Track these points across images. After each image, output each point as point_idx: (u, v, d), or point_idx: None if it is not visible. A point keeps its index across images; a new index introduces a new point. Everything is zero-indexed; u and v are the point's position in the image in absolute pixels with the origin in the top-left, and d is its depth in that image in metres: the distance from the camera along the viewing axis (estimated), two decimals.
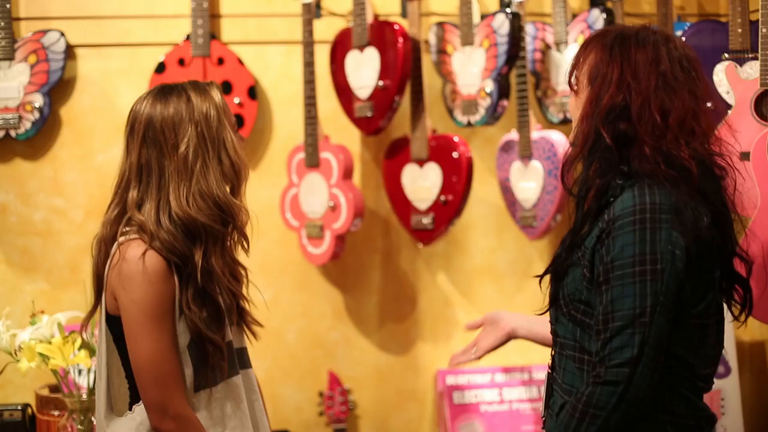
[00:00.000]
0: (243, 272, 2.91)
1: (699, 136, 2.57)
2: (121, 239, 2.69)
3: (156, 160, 2.70)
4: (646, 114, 2.52)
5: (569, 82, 2.71)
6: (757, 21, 3.84)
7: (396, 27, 4.25)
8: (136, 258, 2.62)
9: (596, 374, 2.43)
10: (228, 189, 2.77)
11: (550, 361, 2.72)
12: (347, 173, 4.31)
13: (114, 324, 2.72)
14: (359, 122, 4.38)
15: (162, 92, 2.76)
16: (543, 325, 2.99)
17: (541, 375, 4.61)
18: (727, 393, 4.49)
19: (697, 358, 2.54)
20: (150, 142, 2.70)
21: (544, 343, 3.07)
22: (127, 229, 2.70)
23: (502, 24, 4.24)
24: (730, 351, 4.50)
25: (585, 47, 2.66)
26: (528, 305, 4.70)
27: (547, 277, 2.68)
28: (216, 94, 2.80)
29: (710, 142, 2.62)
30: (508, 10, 4.29)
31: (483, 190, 4.68)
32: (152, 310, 2.63)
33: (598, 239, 2.48)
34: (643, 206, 2.43)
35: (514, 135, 4.40)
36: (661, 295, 2.41)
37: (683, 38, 4.24)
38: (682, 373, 2.52)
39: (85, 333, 3.05)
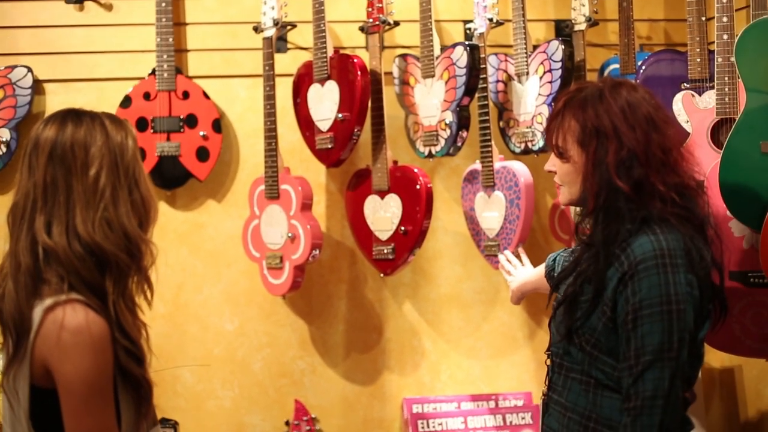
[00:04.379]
0: (143, 327, 2.57)
1: (691, 163, 2.88)
2: (49, 302, 2.40)
3: (63, 178, 2.47)
4: (652, 156, 2.75)
5: (557, 153, 2.89)
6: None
7: (355, 60, 4.29)
8: (80, 326, 2.37)
9: (633, 407, 2.68)
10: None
11: (545, 387, 2.99)
12: (306, 205, 4.34)
13: (40, 397, 2.44)
14: (320, 154, 4.42)
15: (74, 114, 2.56)
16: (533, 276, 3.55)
17: (507, 403, 4.65)
18: (692, 419, 4.48)
19: (693, 378, 2.86)
20: (57, 159, 2.47)
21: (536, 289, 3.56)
22: (47, 287, 2.43)
23: (460, 56, 4.28)
24: None
25: (558, 116, 2.87)
26: (495, 334, 4.75)
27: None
28: (131, 130, 2.61)
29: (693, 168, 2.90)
30: (467, 42, 4.34)
31: (449, 220, 4.72)
32: (100, 383, 2.39)
33: (620, 281, 2.72)
34: (662, 251, 2.68)
35: (477, 165, 4.43)
36: (685, 331, 2.68)
37: (643, 68, 4.27)
38: (684, 395, 2.80)
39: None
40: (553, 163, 2.94)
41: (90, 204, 2.47)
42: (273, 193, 4.38)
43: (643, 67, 4.28)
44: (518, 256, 3.90)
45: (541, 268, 3.48)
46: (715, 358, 4.74)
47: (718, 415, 4.72)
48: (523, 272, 3.71)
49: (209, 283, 4.61)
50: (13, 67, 4.39)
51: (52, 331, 2.38)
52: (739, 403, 4.69)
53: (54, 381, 2.41)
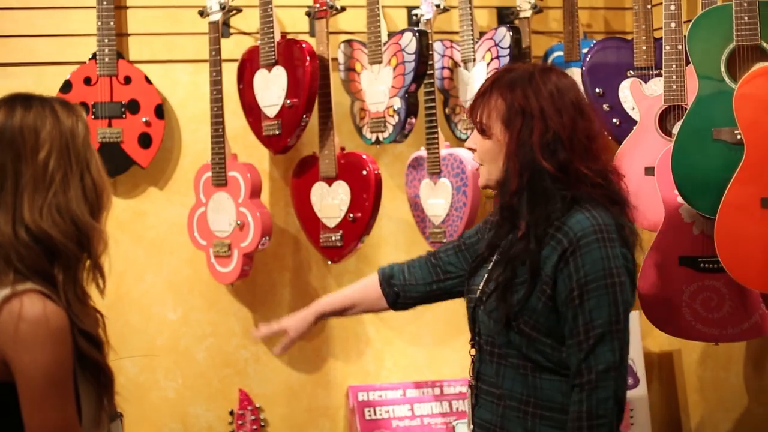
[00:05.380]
0: (99, 316, 2.55)
1: (610, 152, 2.96)
2: (5, 293, 2.32)
3: (12, 163, 2.39)
4: (577, 141, 2.77)
5: (479, 129, 2.88)
6: (662, 38, 3.91)
7: (303, 45, 4.24)
8: (38, 318, 2.29)
9: (587, 381, 2.69)
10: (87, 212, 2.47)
11: (472, 376, 2.99)
12: (255, 192, 4.28)
13: None
14: (267, 141, 4.37)
15: (23, 99, 2.48)
16: (342, 296, 3.44)
17: (452, 390, 4.65)
18: (635, 404, 4.54)
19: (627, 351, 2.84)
20: (6, 143, 2.40)
21: (344, 309, 3.40)
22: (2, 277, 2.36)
23: (409, 42, 4.26)
24: (638, 362, 4.56)
25: (486, 93, 2.85)
26: (439, 321, 4.76)
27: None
28: (83, 114, 2.54)
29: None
30: (415, 28, 4.32)
31: (393, 207, 4.69)
32: (59, 376, 2.32)
33: (560, 258, 2.72)
34: (599, 226, 2.71)
35: (423, 152, 4.42)
36: (627, 303, 2.74)
37: (589, 56, 4.30)
38: None
39: None
40: (474, 141, 2.93)
41: (39, 190, 2.39)
42: (220, 180, 4.31)
43: (589, 55, 4.30)
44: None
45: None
46: (654, 342, 4.80)
47: (658, 399, 4.78)
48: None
49: (151, 271, 4.52)
50: None
51: (10, 322, 2.30)
52: (678, 387, 4.75)
53: (11, 374, 2.32)
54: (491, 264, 2.93)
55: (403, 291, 3.30)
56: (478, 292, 2.94)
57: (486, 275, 2.93)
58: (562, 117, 2.77)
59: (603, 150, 2.87)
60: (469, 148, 2.98)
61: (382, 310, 3.39)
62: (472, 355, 3.01)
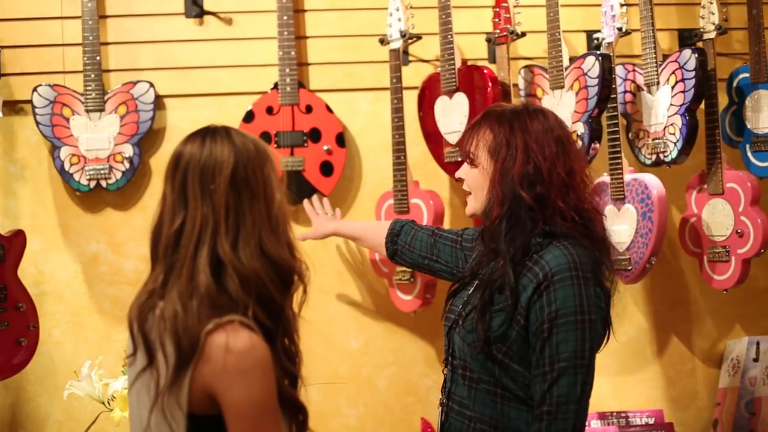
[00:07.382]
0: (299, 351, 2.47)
1: (594, 192, 3.02)
2: (210, 325, 2.28)
3: (248, 203, 2.37)
4: (555, 175, 2.89)
5: (468, 159, 3.05)
6: None
7: (485, 71, 4.22)
8: (246, 349, 2.26)
9: (547, 411, 2.78)
10: None
11: (443, 396, 3.05)
12: (438, 219, 4.26)
13: (197, 424, 2.33)
14: (449, 167, 4.35)
15: (225, 131, 2.45)
16: (355, 226, 4.03)
17: (638, 420, 4.54)
18: None
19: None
20: (241, 183, 2.38)
21: (354, 238, 4.04)
22: (218, 310, 2.31)
23: (592, 66, 4.19)
24: None
25: (476, 126, 3.03)
26: (623, 351, 4.67)
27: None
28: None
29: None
30: (598, 51, 4.26)
31: None
32: (269, 405, 2.30)
33: (534, 290, 2.82)
34: (575, 264, 2.81)
35: (606, 178, 4.34)
36: (595, 341, 2.83)
37: None
38: None
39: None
40: (463, 171, 3.08)
41: (274, 227, 2.39)
42: (402, 208, 4.30)
43: None
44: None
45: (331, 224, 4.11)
46: None
47: None
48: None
49: (334, 300, 4.53)
50: (135, 82, 4.35)
51: (217, 355, 2.27)
52: None
53: (214, 407, 2.30)
54: (472, 288, 3.02)
55: (401, 250, 3.64)
56: (456, 313, 3.03)
57: (466, 298, 3.02)
58: (544, 151, 2.89)
59: (582, 187, 2.95)
60: (459, 179, 3.13)
61: (381, 254, 3.79)
62: (444, 374, 3.08)
